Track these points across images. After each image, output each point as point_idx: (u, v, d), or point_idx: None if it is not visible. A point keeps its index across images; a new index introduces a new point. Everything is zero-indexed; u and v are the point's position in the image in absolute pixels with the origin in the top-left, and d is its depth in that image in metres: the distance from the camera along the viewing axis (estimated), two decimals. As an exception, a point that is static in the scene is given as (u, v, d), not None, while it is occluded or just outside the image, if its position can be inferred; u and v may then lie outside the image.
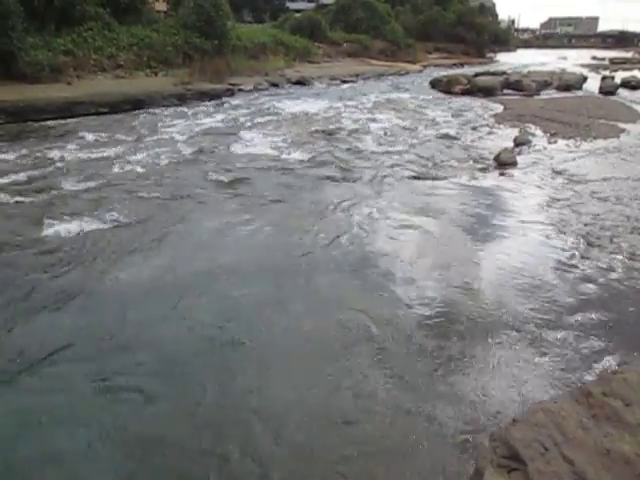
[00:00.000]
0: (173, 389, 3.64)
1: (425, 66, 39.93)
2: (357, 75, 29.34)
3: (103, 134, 12.32)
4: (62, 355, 3.95)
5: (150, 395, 3.56)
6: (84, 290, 4.94)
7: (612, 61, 46.89)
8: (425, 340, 4.17)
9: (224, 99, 19.28)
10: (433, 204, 7.57)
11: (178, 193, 7.94)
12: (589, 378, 3.50)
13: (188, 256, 5.78)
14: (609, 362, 3.82)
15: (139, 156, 10.17)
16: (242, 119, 14.83)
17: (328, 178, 8.87)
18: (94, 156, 10.20)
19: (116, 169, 9.27)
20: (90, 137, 12.00)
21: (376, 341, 4.16)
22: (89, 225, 6.54)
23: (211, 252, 5.91)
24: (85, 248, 5.88)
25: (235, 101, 19.02)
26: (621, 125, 13.64)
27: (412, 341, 4.16)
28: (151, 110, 16.40)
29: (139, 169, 9.31)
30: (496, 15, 72.25)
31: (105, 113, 15.26)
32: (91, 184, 8.32)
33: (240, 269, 5.45)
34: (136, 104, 16.48)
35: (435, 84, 24.22)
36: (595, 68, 37.74)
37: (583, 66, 39.65)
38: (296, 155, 10.39)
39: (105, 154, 10.34)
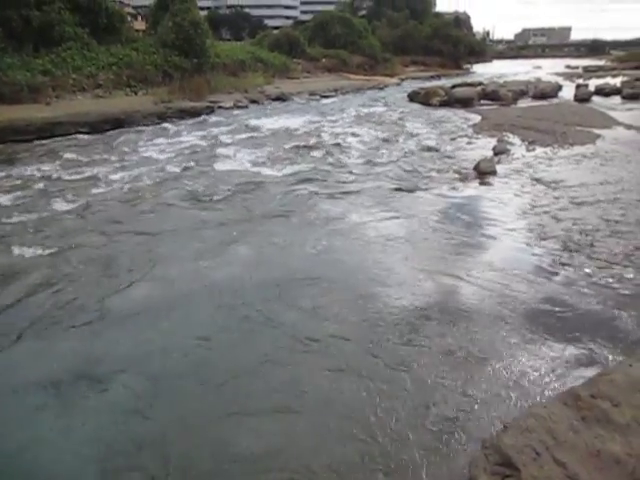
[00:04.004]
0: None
1: (403, 79, 40.40)
2: (336, 90, 29.60)
3: (83, 154, 12.25)
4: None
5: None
6: (49, 316, 4.88)
7: (586, 69, 47.83)
8: (403, 345, 4.19)
9: (204, 117, 19.32)
10: (414, 215, 7.61)
11: (159, 214, 7.88)
12: (576, 381, 3.54)
13: (168, 279, 5.71)
14: (595, 365, 3.86)
15: (120, 176, 10.12)
16: (223, 136, 14.84)
17: (310, 193, 8.89)
18: (74, 177, 10.13)
19: (96, 190, 9.20)
20: (70, 157, 11.93)
21: (356, 347, 4.17)
22: (66, 248, 6.48)
23: (195, 273, 5.88)
24: (63, 272, 5.82)
25: (215, 118, 19.06)
26: (596, 131, 13.88)
27: (386, 347, 4.17)
28: (131, 129, 16.38)
29: (120, 189, 9.25)
30: (471, 27, 73.50)
31: (85, 133, 15.22)
32: (71, 206, 8.26)
33: (229, 287, 5.44)
34: (116, 123, 16.46)
35: (413, 97, 24.47)
36: (569, 76, 38.44)
37: (558, 75, 40.40)
38: (277, 171, 10.40)
39: (85, 175, 10.28)
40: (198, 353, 4.26)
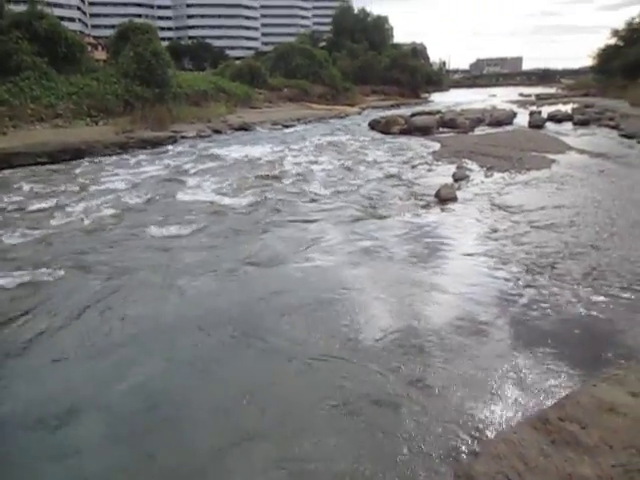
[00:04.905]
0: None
1: (364, 108, 41.25)
2: (298, 119, 29.96)
3: (43, 185, 12.00)
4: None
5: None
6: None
7: (538, 97, 49.94)
8: (372, 371, 4.18)
9: (167, 147, 19.22)
10: (378, 243, 7.65)
11: (119, 247, 7.70)
12: (543, 403, 3.58)
13: (127, 313, 5.58)
14: (561, 385, 3.92)
15: (80, 207, 9.91)
16: (186, 166, 14.77)
17: (274, 222, 8.87)
18: (33, 208, 9.89)
19: (56, 222, 8.98)
20: (28, 188, 11.68)
21: (324, 375, 4.14)
22: (22, 280, 6.27)
23: (154, 307, 5.77)
24: (17, 305, 5.63)
25: (178, 148, 18.98)
26: (551, 156, 14.39)
27: (347, 373, 4.16)
28: (92, 159, 16.18)
29: (80, 221, 9.04)
30: (428, 58, 75.89)
31: (44, 163, 14.94)
32: (29, 238, 8.03)
33: (188, 323, 5.35)
34: (76, 153, 16.24)
35: (374, 125, 24.94)
36: (523, 104, 40.05)
37: (512, 102, 41.97)
38: (241, 201, 10.36)
39: (44, 205, 10.06)
40: (176, 384, 4.16)
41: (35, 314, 5.43)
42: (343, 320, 5.19)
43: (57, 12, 31.34)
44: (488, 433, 3.36)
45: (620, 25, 43.34)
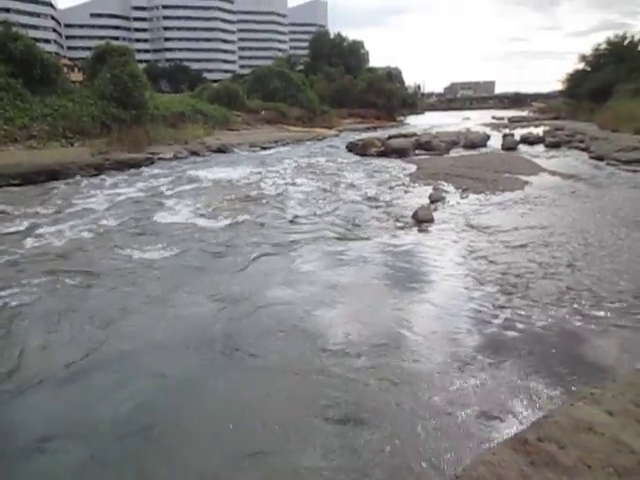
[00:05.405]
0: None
1: (341, 131, 41.68)
2: (276, 141, 30.10)
3: (15, 206, 11.80)
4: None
5: None
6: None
7: (510, 120, 51.05)
8: (346, 390, 4.17)
9: (144, 168, 19.12)
10: (356, 265, 7.69)
11: (96, 271, 7.55)
12: (521, 423, 3.60)
13: (112, 333, 5.51)
14: (539, 406, 3.95)
15: (54, 229, 9.76)
16: (163, 188, 14.70)
17: (252, 243, 8.84)
18: (5, 231, 9.70)
19: (29, 244, 8.82)
20: (0, 209, 11.45)
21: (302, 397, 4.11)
22: None
23: (137, 328, 5.69)
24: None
25: (155, 170, 18.88)
26: (524, 178, 14.67)
27: (326, 395, 4.14)
28: (68, 181, 16.01)
29: (54, 244, 8.89)
30: (403, 81, 77.12)
31: (17, 185, 14.72)
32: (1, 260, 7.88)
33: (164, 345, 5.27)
34: (51, 175, 16.06)
35: (351, 147, 25.16)
36: (496, 126, 40.89)
37: (485, 125, 42.81)
38: (219, 222, 10.34)
39: (18, 228, 9.88)
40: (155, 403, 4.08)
41: (11, 335, 5.30)
42: (325, 338, 5.20)
43: (32, 34, 31.18)
44: (467, 454, 3.36)
45: (587, 51, 44.85)
